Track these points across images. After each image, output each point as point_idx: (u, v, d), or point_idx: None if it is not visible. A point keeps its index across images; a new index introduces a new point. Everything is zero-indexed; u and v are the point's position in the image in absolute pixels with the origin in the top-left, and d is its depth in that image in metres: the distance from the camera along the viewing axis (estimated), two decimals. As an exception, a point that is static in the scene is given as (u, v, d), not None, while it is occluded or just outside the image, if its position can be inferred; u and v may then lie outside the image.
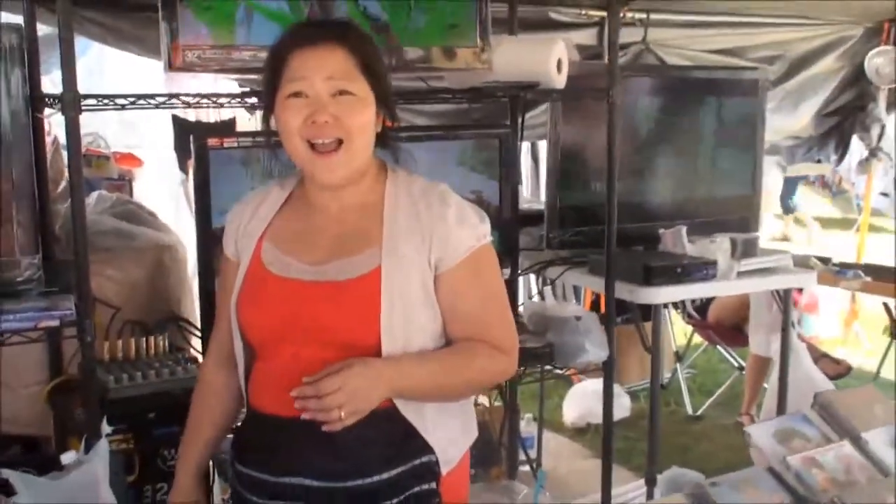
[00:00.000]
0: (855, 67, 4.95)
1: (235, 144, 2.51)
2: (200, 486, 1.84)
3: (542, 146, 5.02)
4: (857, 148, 5.57)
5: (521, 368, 3.06)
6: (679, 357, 5.12)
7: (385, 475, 1.63)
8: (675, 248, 3.33)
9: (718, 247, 3.26)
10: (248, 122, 4.09)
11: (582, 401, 4.60)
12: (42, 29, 3.56)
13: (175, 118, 4.13)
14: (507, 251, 2.98)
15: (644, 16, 4.18)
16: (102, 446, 2.07)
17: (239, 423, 1.84)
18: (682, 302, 4.84)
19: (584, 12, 3.94)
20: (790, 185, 10.21)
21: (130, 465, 2.37)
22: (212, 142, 2.46)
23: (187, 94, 2.31)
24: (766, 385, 4.43)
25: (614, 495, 3.20)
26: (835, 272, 4.67)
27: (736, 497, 1.98)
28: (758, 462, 2.24)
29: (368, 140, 1.67)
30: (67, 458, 2.06)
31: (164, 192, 4.67)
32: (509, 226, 3.02)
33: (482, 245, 1.69)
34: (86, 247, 2.12)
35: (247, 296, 1.71)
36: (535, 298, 3.65)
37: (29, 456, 2.64)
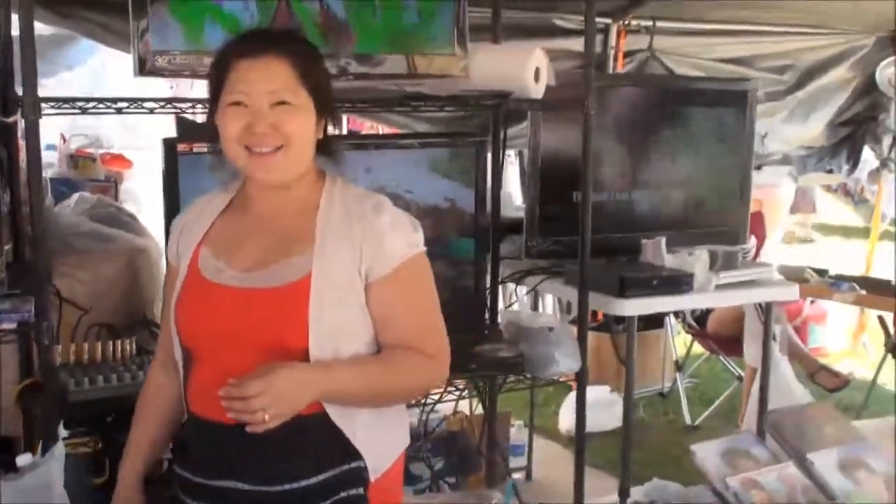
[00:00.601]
0: (867, 77, 4.93)
1: (205, 150, 2.52)
2: (142, 487, 1.86)
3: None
4: (868, 157, 5.52)
5: (502, 378, 3.07)
6: (679, 366, 5.08)
7: (314, 480, 1.64)
8: (655, 260, 3.31)
9: (697, 259, 3.23)
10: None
11: (577, 409, 4.55)
12: (46, 29, 3.57)
13: (179, 119, 4.14)
14: (476, 259, 2.99)
15: (650, 23, 4.17)
16: (59, 449, 2.06)
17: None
18: (682, 312, 4.80)
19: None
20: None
21: (100, 468, 2.37)
22: (181, 147, 2.49)
23: (151, 99, 2.32)
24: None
25: (586, 504, 3.18)
26: (829, 284, 4.63)
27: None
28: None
29: (308, 147, 1.69)
30: (23, 460, 2.06)
31: (158, 194, 4.67)
32: (483, 234, 3.02)
33: (415, 253, 1.70)
34: (46, 250, 2.14)
35: (183, 302, 1.73)
36: (516, 307, 3.65)
37: (2, 457, 2.67)
